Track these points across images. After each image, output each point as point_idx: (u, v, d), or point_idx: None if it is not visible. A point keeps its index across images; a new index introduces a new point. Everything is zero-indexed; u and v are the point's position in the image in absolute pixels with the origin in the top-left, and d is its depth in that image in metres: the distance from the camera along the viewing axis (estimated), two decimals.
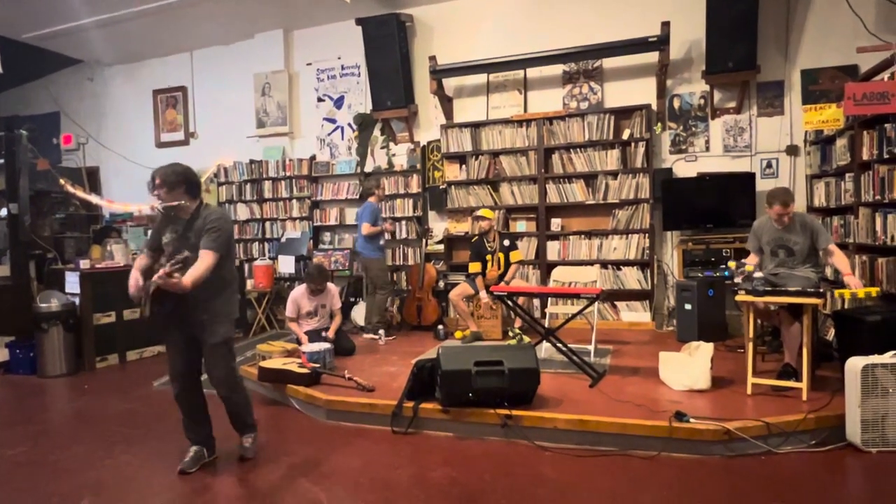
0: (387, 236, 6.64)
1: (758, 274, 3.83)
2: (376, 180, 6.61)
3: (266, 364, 4.44)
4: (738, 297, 3.82)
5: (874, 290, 3.74)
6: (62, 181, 7.56)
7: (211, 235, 3.03)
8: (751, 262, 4.20)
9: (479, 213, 5.80)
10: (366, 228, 6.12)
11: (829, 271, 4.96)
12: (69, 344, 5.47)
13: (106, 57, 8.85)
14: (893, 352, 3.20)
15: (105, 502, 2.93)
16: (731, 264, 4.05)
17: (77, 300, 5.59)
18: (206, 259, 2.97)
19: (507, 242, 5.76)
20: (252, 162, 8.16)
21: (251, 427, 3.39)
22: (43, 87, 9.53)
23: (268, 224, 8.14)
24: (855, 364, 3.19)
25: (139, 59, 8.92)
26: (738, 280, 3.84)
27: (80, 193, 7.97)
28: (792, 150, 5.92)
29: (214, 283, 3.07)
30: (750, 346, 3.84)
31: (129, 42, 8.29)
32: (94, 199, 8.34)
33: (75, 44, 8.28)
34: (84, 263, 5.75)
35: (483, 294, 5.53)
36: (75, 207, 8.66)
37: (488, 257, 5.71)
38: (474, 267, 5.71)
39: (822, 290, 3.69)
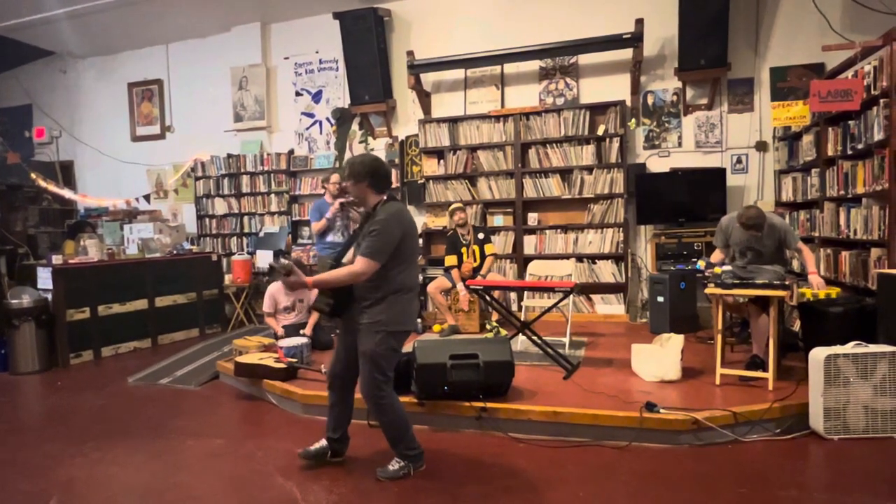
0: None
1: (726, 267, 3.92)
2: (324, 177, 5.82)
3: (242, 359, 4.43)
4: (707, 290, 3.92)
5: (833, 292, 3.86)
6: (33, 175, 7.44)
7: (368, 240, 2.79)
8: (717, 258, 4.30)
9: (454, 206, 5.84)
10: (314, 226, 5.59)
11: (795, 264, 5.09)
12: (42, 340, 5.40)
13: (79, 49, 8.71)
14: (855, 342, 3.30)
15: (74, 501, 2.91)
16: (702, 263, 4.13)
17: (50, 296, 5.52)
18: (355, 265, 2.79)
19: (481, 235, 5.82)
20: (229, 156, 8.09)
21: (401, 454, 3.00)
22: (14, 78, 9.33)
23: (246, 219, 8.09)
24: (818, 354, 3.28)
25: (113, 52, 8.78)
26: (707, 274, 3.94)
27: (52, 188, 7.85)
28: (761, 146, 6.04)
29: (378, 289, 2.84)
30: (719, 337, 3.94)
31: (103, 34, 8.15)
32: (67, 193, 8.22)
33: (47, 35, 8.12)
34: (56, 259, 5.67)
35: (460, 286, 5.57)
36: (48, 202, 8.53)
37: (463, 250, 5.76)
38: (450, 260, 5.75)
39: (788, 283, 3.80)
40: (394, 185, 7.21)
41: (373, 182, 2.89)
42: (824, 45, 4.40)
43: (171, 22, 7.82)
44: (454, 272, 5.68)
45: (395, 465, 3.00)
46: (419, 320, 6.07)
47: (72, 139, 9.01)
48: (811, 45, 5.57)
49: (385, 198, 2.92)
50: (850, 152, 4.31)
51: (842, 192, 4.42)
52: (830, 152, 4.62)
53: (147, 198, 8.28)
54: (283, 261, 2.89)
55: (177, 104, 8.60)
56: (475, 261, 5.75)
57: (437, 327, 5.91)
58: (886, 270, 3.68)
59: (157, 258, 6.50)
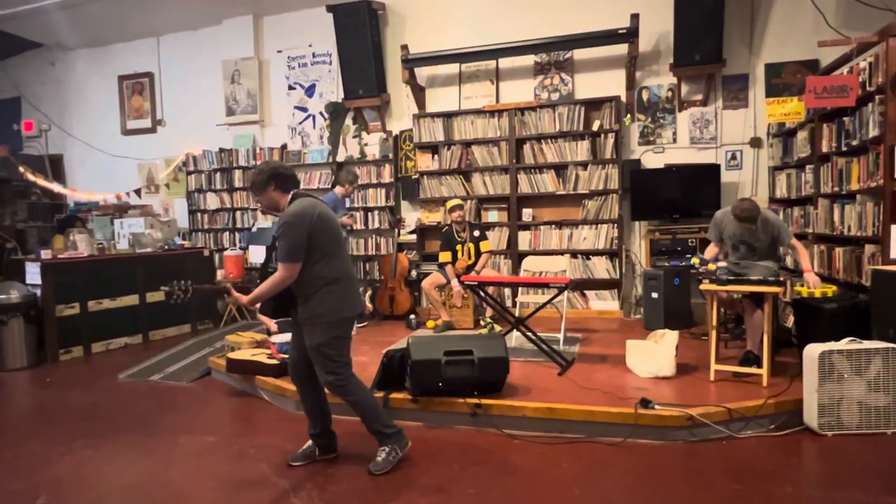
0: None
1: (721, 263, 3.92)
2: (352, 174, 6.12)
3: (234, 355, 4.39)
4: (702, 286, 3.91)
5: (830, 291, 3.87)
6: (22, 169, 7.35)
7: (280, 244, 2.79)
8: (711, 252, 4.30)
9: (453, 204, 5.78)
10: None
11: (789, 260, 5.10)
12: (31, 336, 5.34)
13: (69, 41, 8.61)
14: (849, 339, 3.31)
15: (63, 499, 2.86)
16: (696, 260, 4.13)
17: (38, 291, 5.45)
18: (276, 273, 2.80)
19: (476, 232, 5.80)
20: (222, 150, 8.03)
21: (383, 436, 3.03)
22: (2, 70, 9.22)
23: (238, 213, 8.04)
24: (812, 350, 3.28)
25: (104, 44, 8.69)
26: (702, 270, 3.93)
27: (41, 182, 7.76)
28: (756, 143, 6.05)
29: (306, 286, 2.86)
30: (713, 333, 3.93)
31: (93, 26, 8.07)
32: (56, 187, 8.13)
33: (36, 26, 8.03)
34: (45, 254, 5.60)
35: (454, 283, 5.55)
36: (37, 196, 8.45)
37: (458, 247, 5.73)
38: (444, 256, 5.73)
39: (781, 279, 3.80)
40: (387, 181, 7.19)
41: (278, 183, 2.91)
42: (819, 41, 4.39)
43: (163, 14, 7.75)
44: (448, 268, 5.66)
45: (383, 455, 3.00)
46: (412, 316, 6.06)
47: (61, 132, 8.90)
48: (806, 40, 5.58)
49: (289, 198, 2.92)
50: (844, 149, 4.31)
51: (836, 189, 4.42)
52: (825, 149, 4.62)
53: (138, 192, 8.21)
54: (182, 282, 2.88)
55: (168, 98, 8.53)
56: (469, 258, 5.72)
57: (430, 323, 5.89)
58: (880, 267, 3.69)
59: (149, 253, 6.44)
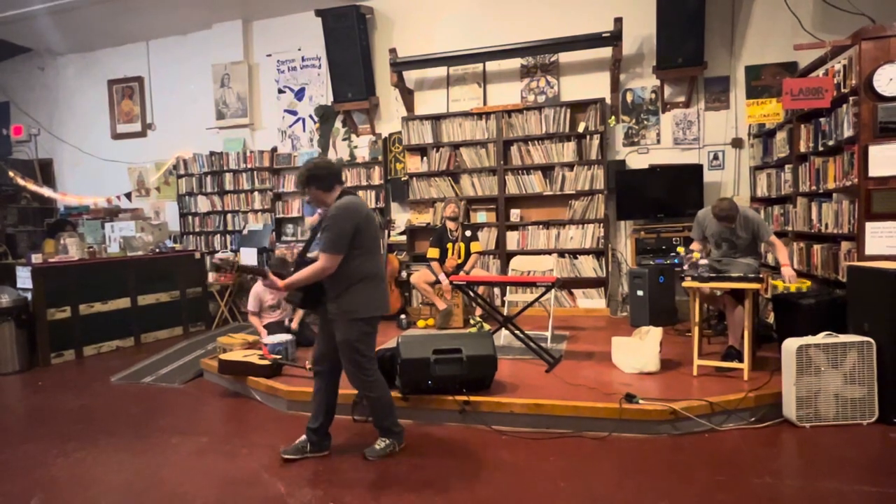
0: None
1: (703, 261, 4.02)
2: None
3: (226, 356, 4.44)
4: (684, 283, 4.01)
5: (805, 286, 3.97)
6: (11, 173, 7.35)
7: (323, 235, 2.93)
8: (695, 250, 4.40)
9: (449, 198, 5.97)
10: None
11: (770, 258, 5.21)
12: (22, 340, 5.35)
13: (57, 46, 8.59)
14: (826, 333, 3.40)
15: (56, 501, 2.89)
16: (680, 250, 4.22)
17: (29, 295, 5.47)
18: (318, 262, 2.93)
19: (468, 233, 5.88)
20: (212, 154, 8.06)
21: (387, 431, 3.20)
22: None
23: (229, 216, 8.07)
24: (790, 345, 3.37)
25: (93, 49, 8.69)
26: (685, 267, 4.03)
27: (31, 186, 7.76)
28: (737, 143, 6.16)
29: (342, 279, 2.97)
30: (696, 329, 4.03)
31: (82, 31, 8.06)
32: (46, 191, 8.13)
33: (24, 31, 8.01)
34: (36, 258, 5.62)
35: (442, 277, 5.64)
36: (27, 201, 8.44)
37: (449, 245, 5.82)
38: (432, 252, 5.81)
39: (761, 276, 3.90)
40: (377, 183, 7.25)
41: (318, 185, 3.02)
42: (796, 45, 4.50)
43: (152, 19, 7.76)
44: (434, 265, 5.74)
45: (381, 444, 3.15)
46: (403, 316, 6.12)
47: (51, 137, 8.90)
48: (785, 43, 5.69)
49: (338, 194, 3.04)
50: (821, 149, 4.42)
51: (814, 188, 4.53)
52: (803, 149, 4.73)
53: (129, 196, 8.21)
54: (231, 258, 3.02)
55: (158, 102, 8.54)
56: (459, 258, 5.81)
57: (421, 323, 5.96)
58: (856, 263, 3.79)
59: (140, 256, 6.47)
